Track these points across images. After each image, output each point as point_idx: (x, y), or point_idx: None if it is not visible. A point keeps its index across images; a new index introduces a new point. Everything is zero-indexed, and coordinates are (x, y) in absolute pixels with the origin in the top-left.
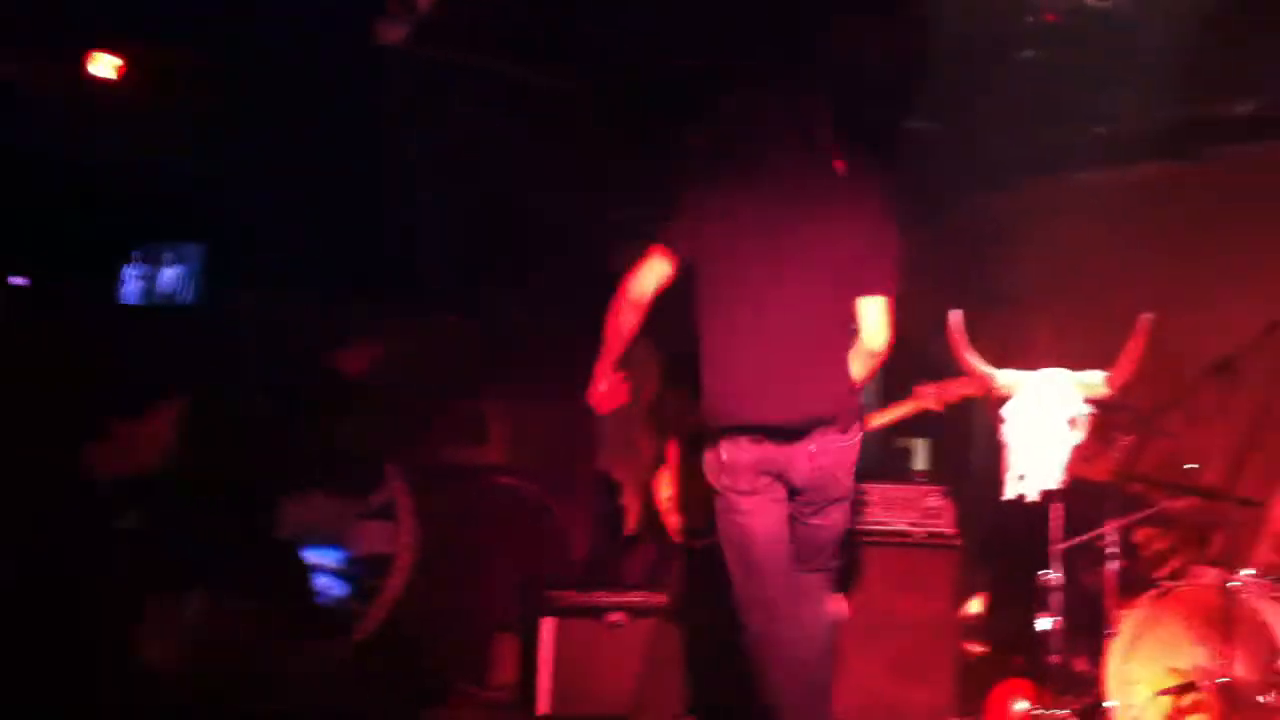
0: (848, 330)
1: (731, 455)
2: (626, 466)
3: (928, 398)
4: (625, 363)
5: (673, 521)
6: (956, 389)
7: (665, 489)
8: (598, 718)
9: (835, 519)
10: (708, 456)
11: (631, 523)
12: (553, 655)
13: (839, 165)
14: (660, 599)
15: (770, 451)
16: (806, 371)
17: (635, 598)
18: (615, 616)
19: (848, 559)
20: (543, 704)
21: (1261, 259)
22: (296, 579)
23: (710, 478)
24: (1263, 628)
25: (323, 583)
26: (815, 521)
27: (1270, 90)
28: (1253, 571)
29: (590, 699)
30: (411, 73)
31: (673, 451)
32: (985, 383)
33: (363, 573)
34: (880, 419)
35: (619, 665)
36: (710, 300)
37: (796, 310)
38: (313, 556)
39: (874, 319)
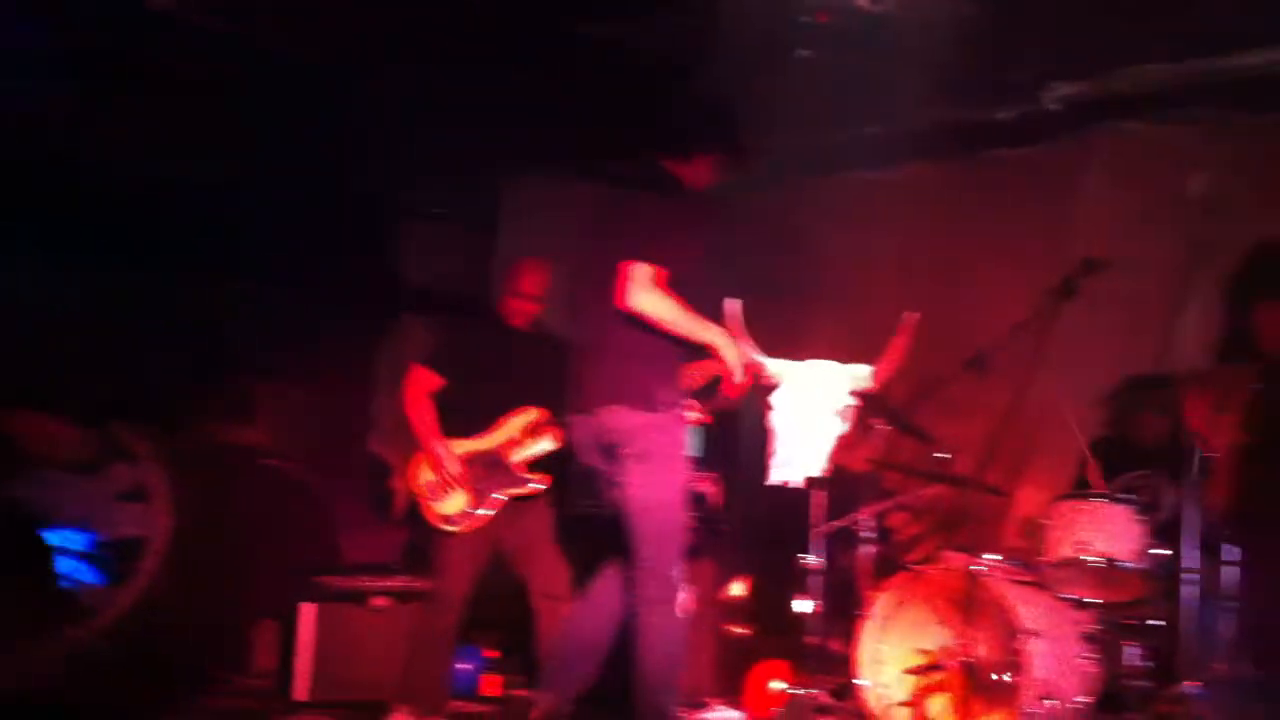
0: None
1: None
2: (400, 449)
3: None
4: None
5: (431, 508)
6: (709, 368)
7: (424, 474)
8: (358, 704)
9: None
10: None
11: (400, 506)
12: (313, 641)
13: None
14: (424, 584)
15: None
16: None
17: (400, 582)
18: (379, 601)
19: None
20: (300, 690)
21: (1020, 258)
22: (37, 562)
23: None
24: (1004, 610)
25: (68, 566)
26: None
27: (1030, 98)
28: (997, 557)
29: (351, 685)
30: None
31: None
32: (758, 370)
33: (113, 556)
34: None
35: (382, 650)
36: None
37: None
38: (57, 539)
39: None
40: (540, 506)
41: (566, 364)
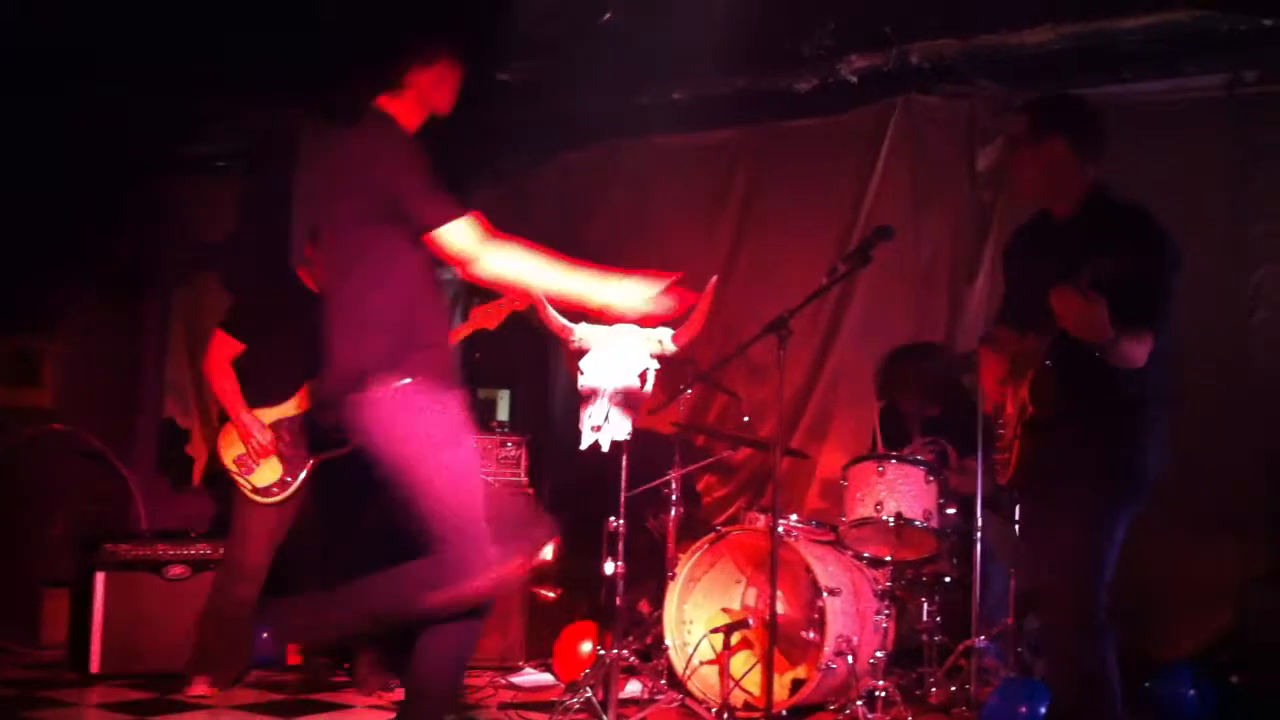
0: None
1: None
2: (194, 415)
3: (482, 317)
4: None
5: (242, 481)
6: (504, 306)
7: (233, 447)
8: (154, 675)
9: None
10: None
11: (198, 473)
12: (106, 611)
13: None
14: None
15: None
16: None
17: (197, 550)
18: (176, 570)
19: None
20: (95, 662)
21: (818, 224)
22: None
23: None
24: (806, 570)
25: None
26: None
27: (827, 68)
28: (796, 518)
29: (147, 655)
30: None
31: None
32: (563, 333)
33: None
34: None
35: (179, 620)
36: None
37: None
38: None
39: None
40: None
41: None
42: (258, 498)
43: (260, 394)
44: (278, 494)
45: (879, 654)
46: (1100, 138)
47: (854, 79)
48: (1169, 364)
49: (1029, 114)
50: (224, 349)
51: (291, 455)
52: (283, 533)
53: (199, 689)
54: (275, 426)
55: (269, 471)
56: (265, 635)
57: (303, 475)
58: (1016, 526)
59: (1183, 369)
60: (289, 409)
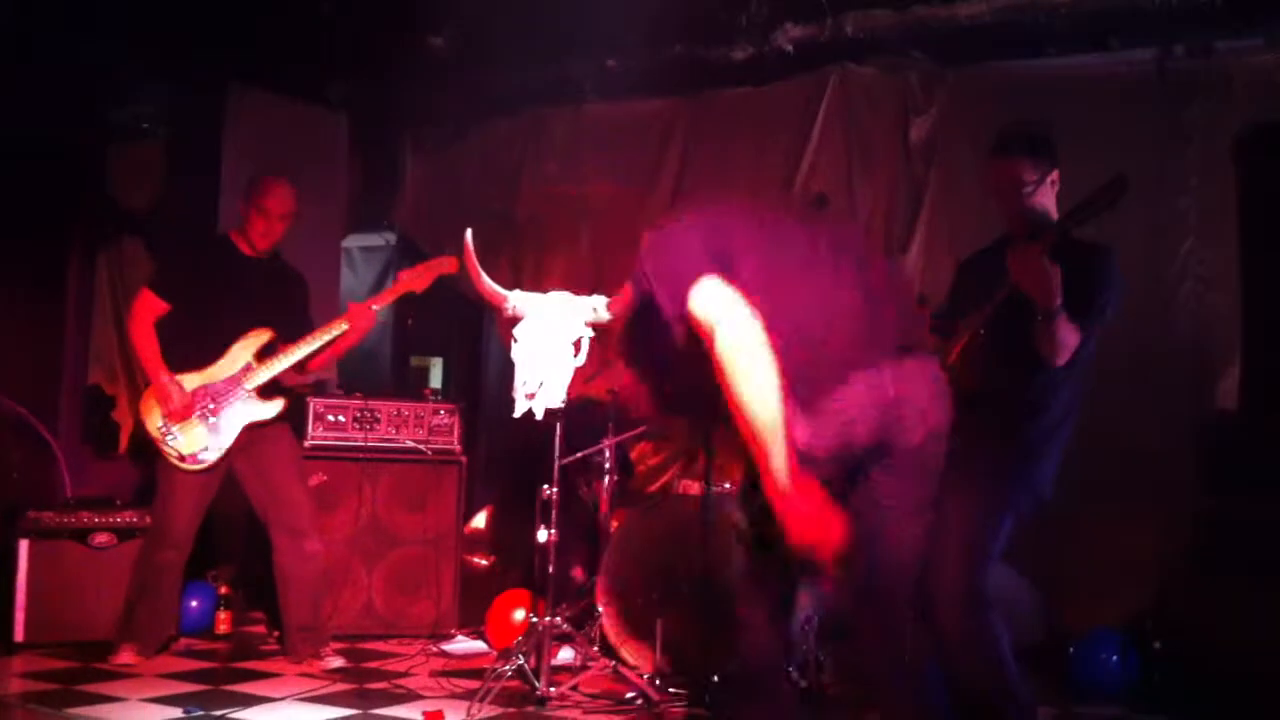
0: None
1: None
2: (121, 381)
3: (409, 279)
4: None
5: (166, 447)
6: (431, 269)
7: (155, 412)
8: (80, 644)
9: None
10: None
11: (124, 439)
12: (30, 580)
13: None
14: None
15: None
16: None
17: (123, 518)
18: (101, 538)
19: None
20: (19, 631)
21: (751, 193)
22: None
23: None
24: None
25: None
26: None
27: (763, 38)
28: (731, 486)
29: (73, 624)
30: None
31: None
32: (497, 301)
33: None
34: (377, 303)
35: (104, 588)
36: None
37: None
38: None
39: None
40: (277, 434)
41: (298, 286)
42: (183, 465)
43: (185, 358)
44: (204, 460)
45: (814, 620)
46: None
47: (789, 49)
48: (1085, 382)
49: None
50: (149, 309)
51: (217, 420)
52: (209, 499)
53: (125, 657)
54: (200, 391)
55: (193, 437)
56: (195, 603)
57: (229, 442)
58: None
59: (1105, 340)
60: (215, 373)
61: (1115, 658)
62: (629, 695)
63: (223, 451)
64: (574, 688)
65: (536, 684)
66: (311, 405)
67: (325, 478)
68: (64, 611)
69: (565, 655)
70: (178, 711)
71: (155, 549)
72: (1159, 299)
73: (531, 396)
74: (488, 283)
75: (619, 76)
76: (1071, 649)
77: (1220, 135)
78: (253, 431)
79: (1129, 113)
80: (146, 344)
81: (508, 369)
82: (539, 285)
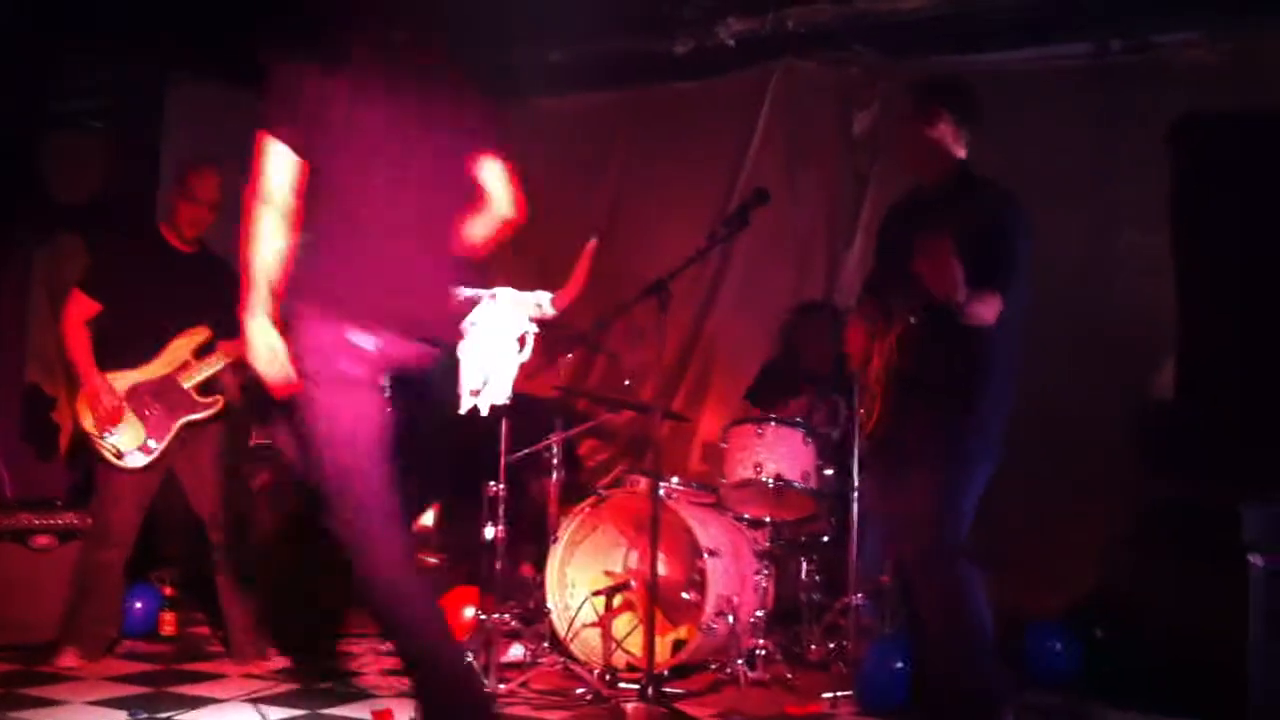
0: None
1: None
2: (60, 381)
3: None
4: None
5: (102, 445)
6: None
7: (89, 412)
8: (21, 647)
9: None
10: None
11: (64, 440)
12: None
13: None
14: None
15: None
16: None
17: (64, 519)
18: (41, 539)
19: None
20: None
21: (697, 187)
22: None
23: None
24: (686, 532)
25: None
26: None
27: (706, 32)
28: (678, 480)
29: (14, 627)
30: None
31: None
32: None
33: None
34: (218, 362)
35: (45, 590)
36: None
37: (428, 216)
38: None
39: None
40: (213, 432)
41: (231, 280)
42: (120, 462)
43: (120, 356)
44: (141, 458)
45: (759, 613)
46: (978, 117)
47: (732, 43)
48: (1017, 332)
49: (918, 92)
50: (80, 309)
51: (154, 418)
52: (149, 497)
53: (68, 660)
54: (136, 389)
55: (131, 436)
56: (139, 605)
57: (167, 439)
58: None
59: (1047, 332)
60: (152, 371)
61: (1059, 647)
62: (579, 691)
63: (160, 450)
64: (524, 684)
65: (486, 681)
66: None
67: (273, 477)
68: (4, 613)
69: (515, 652)
70: (123, 714)
71: (95, 549)
72: (1099, 288)
73: (477, 393)
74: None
75: (562, 70)
76: (1024, 637)
77: (1156, 126)
78: (191, 430)
79: (1067, 105)
80: (78, 345)
81: (453, 365)
82: (483, 280)
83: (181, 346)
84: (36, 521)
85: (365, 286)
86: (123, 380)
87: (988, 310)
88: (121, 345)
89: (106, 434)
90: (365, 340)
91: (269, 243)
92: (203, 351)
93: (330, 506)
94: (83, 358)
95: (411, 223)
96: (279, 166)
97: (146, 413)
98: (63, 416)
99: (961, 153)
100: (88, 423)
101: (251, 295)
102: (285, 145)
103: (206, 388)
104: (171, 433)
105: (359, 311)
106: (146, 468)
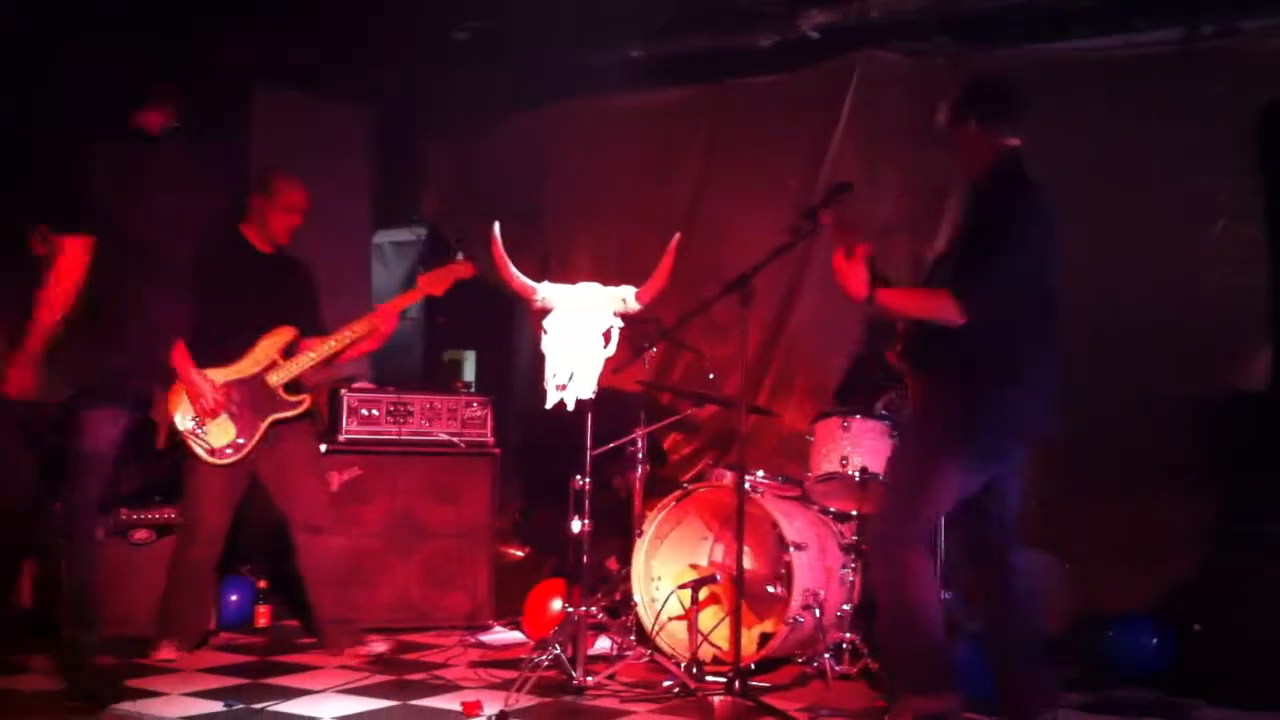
0: None
1: None
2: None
3: (427, 284)
4: None
5: (195, 442)
6: (449, 274)
7: (184, 408)
8: (121, 639)
9: None
10: None
11: (161, 438)
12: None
13: None
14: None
15: None
16: None
17: (161, 514)
18: (140, 534)
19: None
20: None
21: (779, 181)
22: None
23: None
24: (772, 525)
25: None
26: None
27: (788, 24)
28: (763, 474)
29: (114, 620)
30: None
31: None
32: (526, 293)
33: None
34: (345, 335)
35: (144, 584)
36: None
37: None
38: None
39: None
40: (298, 431)
41: (309, 279)
42: (212, 459)
43: (211, 355)
44: (231, 455)
45: (845, 607)
46: (1010, 111)
47: (814, 35)
48: (1013, 332)
49: (949, 106)
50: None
51: (243, 416)
52: (239, 495)
53: (165, 653)
54: (225, 388)
55: (222, 432)
56: (234, 598)
57: (256, 436)
58: None
59: (1136, 322)
60: (240, 370)
61: (1154, 641)
62: (666, 684)
63: (249, 447)
64: (611, 676)
65: (573, 673)
66: (345, 399)
67: (359, 471)
68: (105, 607)
69: (602, 645)
70: (218, 705)
71: (187, 545)
72: (1188, 280)
73: (562, 388)
74: (516, 276)
75: (643, 66)
76: (1110, 632)
77: (1247, 114)
78: (276, 428)
79: (1154, 93)
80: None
81: (539, 361)
82: (566, 277)
83: (268, 346)
84: (135, 516)
85: None
86: (214, 378)
87: (907, 306)
88: (210, 345)
89: (198, 431)
90: None
91: None
92: (289, 351)
93: None
94: (178, 355)
95: None
96: None
97: (236, 411)
98: (159, 413)
99: (994, 151)
100: (181, 419)
101: None
102: None
103: (293, 387)
104: (260, 431)
105: None
106: (235, 465)
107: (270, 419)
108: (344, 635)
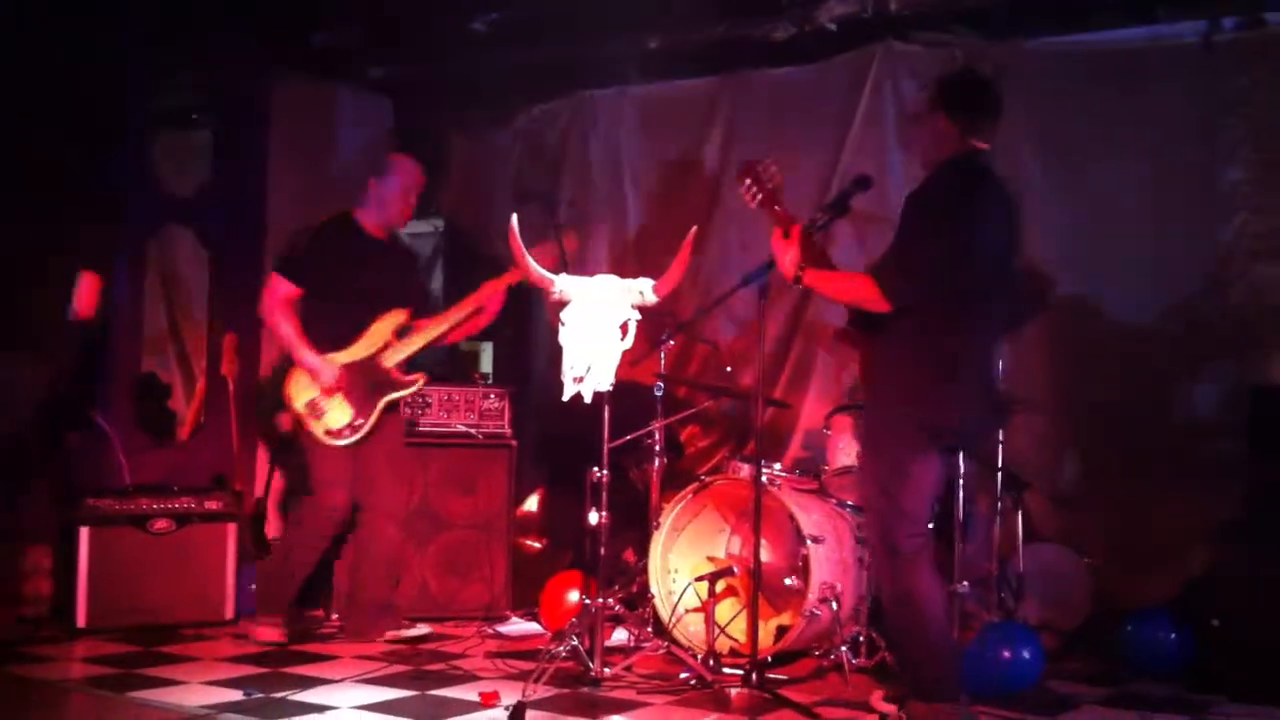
0: None
1: None
2: (175, 369)
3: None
4: None
5: (314, 424)
6: (557, 246)
7: (303, 391)
8: (141, 628)
9: None
10: None
11: (187, 428)
12: (90, 566)
13: None
14: (215, 503)
15: None
16: None
17: (181, 504)
18: (160, 524)
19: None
20: (81, 617)
21: (797, 173)
22: None
23: None
24: (789, 518)
25: None
26: None
27: (806, 16)
28: (780, 467)
29: (133, 609)
30: None
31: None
32: (544, 285)
33: None
34: (455, 314)
35: (163, 574)
36: None
37: None
38: None
39: None
40: (394, 417)
41: (415, 262)
42: (330, 440)
43: (326, 338)
44: (350, 435)
45: (862, 600)
46: (985, 116)
47: (833, 26)
48: (955, 322)
49: (924, 94)
50: (281, 291)
51: (360, 398)
52: (352, 477)
53: (269, 634)
54: (346, 369)
55: (340, 414)
56: (253, 586)
57: (374, 417)
58: None
59: (1156, 316)
60: (355, 353)
61: (1173, 636)
62: (683, 676)
63: (368, 428)
64: (628, 668)
65: (591, 665)
66: None
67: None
68: (124, 597)
69: (619, 636)
70: (237, 693)
71: (303, 526)
72: (1210, 272)
73: (580, 380)
74: (534, 268)
75: (661, 57)
76: (1129, 626)
77: (1270, 106)
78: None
79: (1176, 85)
80: (285, 325)
81: (556, 353)
82: (584, 269)
83: (383, 328)
84: (155, 506)
85: None
86: (331, 361)
87: (828, 288)
88: (323, 328)
89: (318, 412)
90: None
91: None
92: (402, 332)
93: None
94: (292, 338)
95: None
96: None
97: (353, 392)
98: (179, 404)
99: (955, 149)
100: (299, 401)
101: None
102: None
103: (407, 367)
104: (377, 411)
105: None
106: (353, 446)
107: (387, 399)
108: (386, 617)
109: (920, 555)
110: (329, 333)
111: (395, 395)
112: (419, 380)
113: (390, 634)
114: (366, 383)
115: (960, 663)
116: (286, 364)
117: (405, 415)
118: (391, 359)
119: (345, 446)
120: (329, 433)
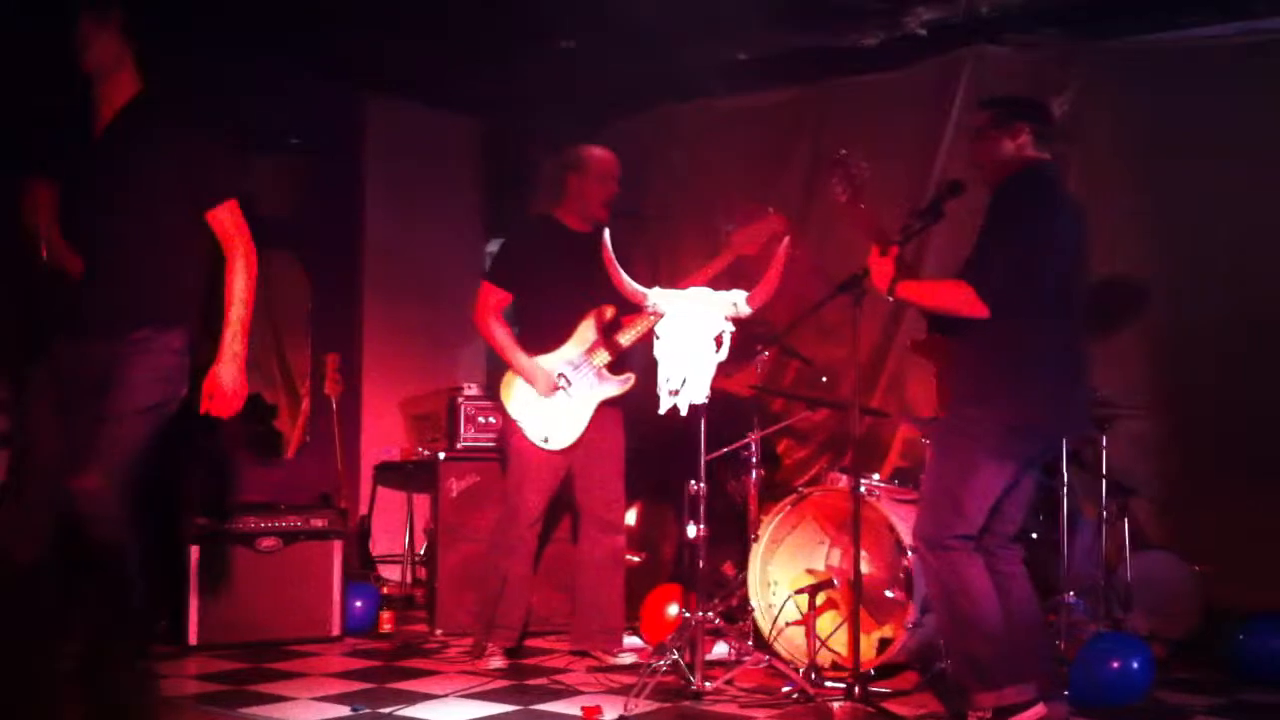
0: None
1: None
2: (280, 389)
3: (742, 243)
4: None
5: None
6: (765, 229)
7: (515, 394)
8: (250, 645)
9: None
10: None
11: (292, 446)
12: (199, 584)
13: None
14: (321, 521)
15: None
16: None
17: (288, 522)
18: (267, 542)
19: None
20: (192, 634)
21: (890, 180)
22: None
23: None
24: (889, 529)
25: None
26: None
27: (894, 22)
28: (878, 477)
29: (242, 627)
30: None
31: None
32: (637, 299)
33: None
34: (704, 273)
35: (271, 591)
36: None
37: None
38: None
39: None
40: (612, 417)
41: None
42: (544, 445)
43: (537, 341)
44: (563, 440)
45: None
46: (1047, 124)
47: (922, 32)
48: (1037, 324)
49: (991, 110)
50: (491, 299)
51: (573, 400)
52: (558, 482)
53: (494, 661)
54: (556, 372)
55: (552, 417)
56: (359, 604)
57: (586, 421)
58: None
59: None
60: (565, 353)
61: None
62: (785, 689)
63: (580, 431)
64: (729, 682)
65: (692, 678)
66: (462, 407)
67: (477, 478)
68: (233, 614)
69: (720, 650)
70: (345, 709)
71: (507, 530)
72: None
73: (675, 393)
74: (628, 282)
75: (748, 68)
76: (1240, 634)
77: None
78: (599, 411)
79: (1272, 81)
80: (497, 332)
81: (651, 366)
82: (675, 281)
83: (589, 326)
84: (262, 525)
85: None
86: (543, 363)
87: (922, 297)
88: (534, 331)
89: (530, 416)
90: None
91: None
92: (610, 329)
93: None
94: (506, 343)
95: None
96: None
97: (566, 394)
98: (284, 424)
99: (1025, 162)
100: (513, 406)
101: None
102: None
103: (616, 365)
104: (589, 413)
105: None
106: (564, 449)
107: (599, 399)
108: (598, 635)
109: (963, 551)
110: (540, 335)
111: (607, 394)
112: (629, 378)
113: (601, 651)
114: (579, 384)
115: (1026, 653)
116: (500, 370)
117: (489, 430)
118: (600, 358)
119: (556, 452)
120: (544, 438)
